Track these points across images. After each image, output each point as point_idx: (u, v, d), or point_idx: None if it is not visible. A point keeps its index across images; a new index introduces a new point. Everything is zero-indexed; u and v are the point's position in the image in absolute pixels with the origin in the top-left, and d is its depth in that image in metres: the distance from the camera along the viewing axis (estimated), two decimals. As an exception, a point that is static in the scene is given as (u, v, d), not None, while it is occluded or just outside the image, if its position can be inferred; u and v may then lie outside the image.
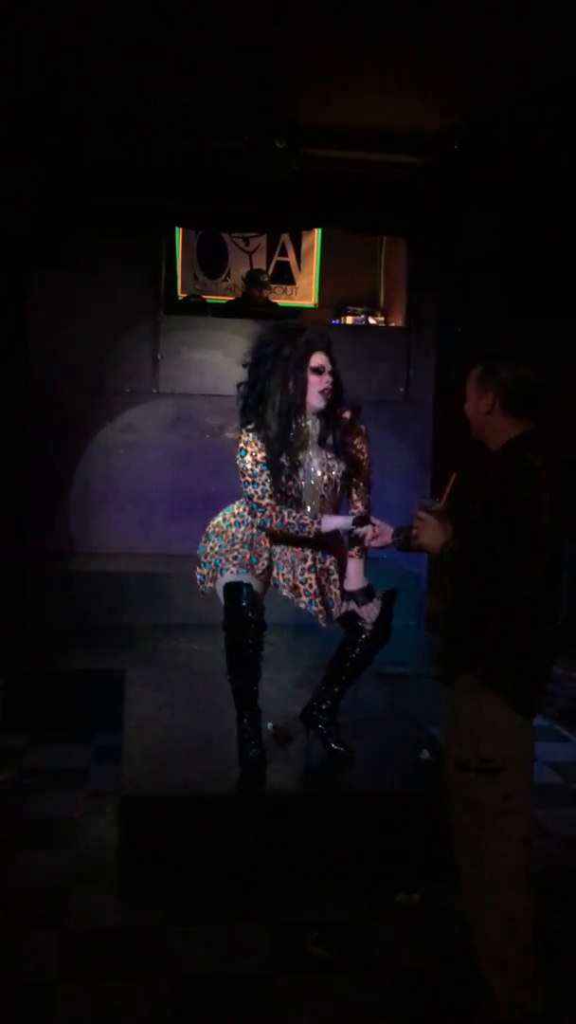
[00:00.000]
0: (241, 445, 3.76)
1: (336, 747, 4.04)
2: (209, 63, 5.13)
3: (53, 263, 6.70)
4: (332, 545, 3.93)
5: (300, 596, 3.90)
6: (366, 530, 3.68)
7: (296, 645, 5.36)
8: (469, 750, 2.79)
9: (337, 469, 3.83)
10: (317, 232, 8.26)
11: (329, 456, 3.81)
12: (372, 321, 7.97)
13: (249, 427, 3.76)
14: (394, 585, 4.01)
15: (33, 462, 6.78)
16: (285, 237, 8.36)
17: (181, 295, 8.02)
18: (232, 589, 3.79)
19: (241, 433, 3.78)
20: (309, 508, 3.80)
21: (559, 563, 2.77)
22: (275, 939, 3.28)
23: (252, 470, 3.74)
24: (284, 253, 8.41)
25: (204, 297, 8.04)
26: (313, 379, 3.74)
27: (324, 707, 4.10)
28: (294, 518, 3.71)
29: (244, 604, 3.76)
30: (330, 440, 3.81)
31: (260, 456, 3.74)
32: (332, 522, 3.75)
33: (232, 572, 3.82)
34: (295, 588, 3.90)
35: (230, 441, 6.77)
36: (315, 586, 3.88)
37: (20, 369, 6.72)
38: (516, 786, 2.77)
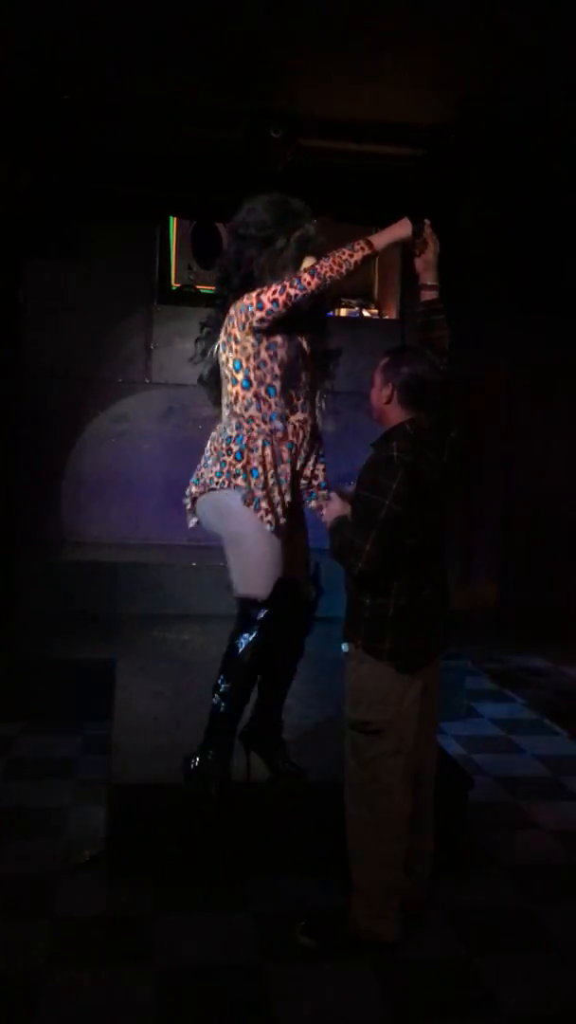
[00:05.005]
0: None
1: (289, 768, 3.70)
2: (206, 52, 5.12)
3: (46, 252, 6.67)
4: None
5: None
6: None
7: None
8: (355, 713, 3.12)
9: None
10: (312, 223, 8.24)
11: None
12: (366, 314, 7.93)
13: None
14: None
15: (25, 452, 6.76)
16: (280, 228, 8.32)
17: (175, 285, 7.97)
18: (280, 586, 3.41)
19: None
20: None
21: (431, 540, 3.09)
22: (264, 928, 3.28)
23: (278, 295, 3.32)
24: (279, 244, 8.37)
25: (198, 287, 8.01)
26: None
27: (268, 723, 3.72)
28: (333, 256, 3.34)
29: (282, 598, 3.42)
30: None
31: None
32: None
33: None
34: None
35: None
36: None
37: (12, 359, 6.70)
38: (398, 745, 3.07)
